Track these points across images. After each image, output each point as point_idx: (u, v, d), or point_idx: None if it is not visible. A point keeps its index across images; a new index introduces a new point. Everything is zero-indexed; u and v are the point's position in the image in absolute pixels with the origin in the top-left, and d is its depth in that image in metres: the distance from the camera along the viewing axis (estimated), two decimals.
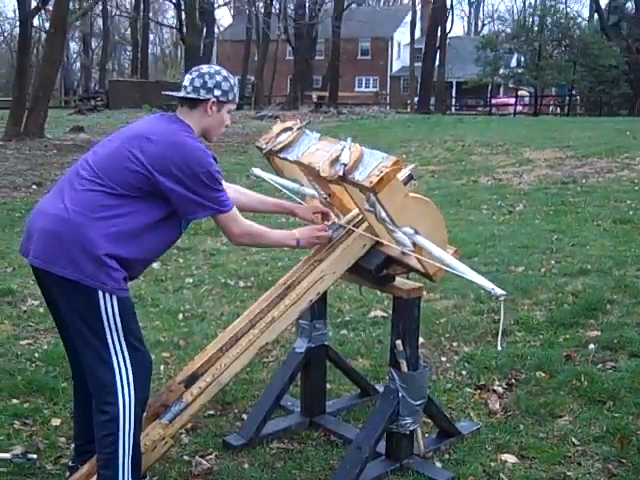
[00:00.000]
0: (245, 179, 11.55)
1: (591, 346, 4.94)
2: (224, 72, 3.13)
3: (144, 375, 3.04)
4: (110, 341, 2.92)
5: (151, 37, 49.68)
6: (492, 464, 3.58)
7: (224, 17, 79.28)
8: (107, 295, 2.86)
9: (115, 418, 2.92)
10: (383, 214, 3.17)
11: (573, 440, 3.79)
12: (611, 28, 41.16)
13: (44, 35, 33.64)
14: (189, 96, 3.06)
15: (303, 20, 37.67)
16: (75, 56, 61.57)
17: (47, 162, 15.31)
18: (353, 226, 3.56)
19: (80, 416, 3.32)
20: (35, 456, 3.57)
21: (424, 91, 38.92)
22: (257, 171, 4.27)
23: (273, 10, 41.68)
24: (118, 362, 2.94)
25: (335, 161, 3.18)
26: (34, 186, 12.44)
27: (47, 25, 25.43)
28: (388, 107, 42.52)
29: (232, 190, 3.49)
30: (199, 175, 2.91)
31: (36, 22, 24.68)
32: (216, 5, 43.97)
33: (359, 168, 3.10)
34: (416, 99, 41.61)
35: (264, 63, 40.90)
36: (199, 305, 5.97)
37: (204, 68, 3.12)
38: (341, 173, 3.12)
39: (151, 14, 46.63)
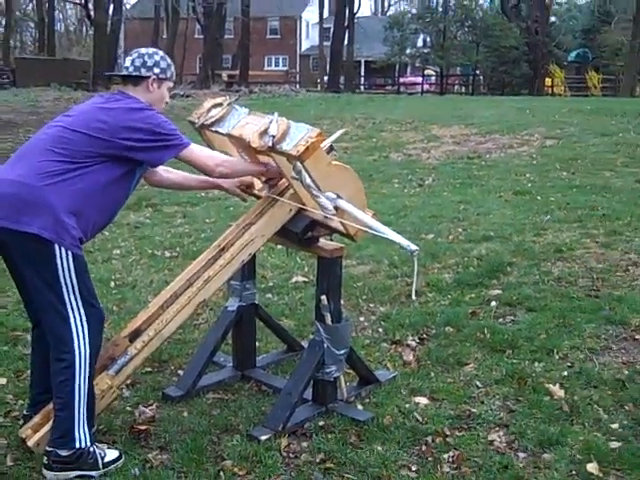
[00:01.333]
0: None
1: (493, 303, 5.44)
2: (161, 53, 3.51)
3: (98, 328, 3.33)
4: (66, 296, 3.20)
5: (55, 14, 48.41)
6: (407, 405, 4.00)
7: None
8: (63, 250, 3.13)
9: (71, 365, 3.21)
10: (308, 180, 3.53)
11: (477, 383, 4.25)
12: (511, 10, 42.40)
13: None
14: (133, 74, 3.39)
15: None
16: None
17: None
18: (280, 193, 3.91)
19: (38, 366, 3.58)
20: None
21: (334, 70, 39.27)
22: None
23: None
24: (74, 316, 3.22)
25: (264, 133, 3.52)
26: None
27: None
28: (298, 86, 42.72)
29: (160, 169, 3.80)
30: (153, 128, 3.28)
31: None
32: None
33: (286, 139, 3.45)
34: (326, 78, 41.95)
35: (174, 42, 40.47)
36: (129, 274, 6.23)
37: (142, 50, 3.50)
38: (270, 144, 3.46)
39: None
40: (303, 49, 59.51)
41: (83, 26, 67.50)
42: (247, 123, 3.73)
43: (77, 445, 3.26)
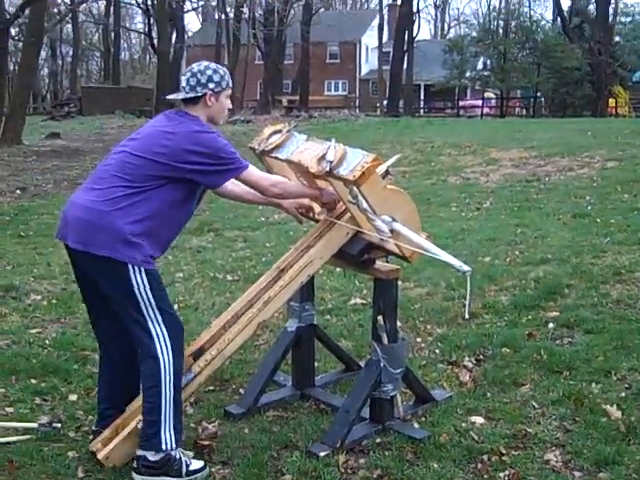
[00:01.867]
0: None
1: (550, 325, 5.46)
2: (212, 65, 3.63)
3: (178, 334, 3.55)
4: (144, 309, 3.43)
5: None
6: (463, 424, 4.06)
7: (192, 22, 79.54)
8: (136, 268, 3.38)
9: (157, 372, 3.43)
10: (364, 204, 3.66)
11: (534, 404, 4.29)
12: (573, 31, 42.08)
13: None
14: (188, 96, 3.57)
15: (272, 25, 38.02)
16: (42, 62, 61.45)
17: (28, 168, 15.64)
18: (337, 217, 4.04)
19: (105, 383, 3.81)
20: (59, 425, 4.01)
21: (393, 94, 39.35)
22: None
23: (242, 15, 42.02)
24: (154, 325, 3.45)
25: (322, 159, 3.66)
26: (18, 191, 12.79)
27: (22, 33, 25.51)
28: (357, 110, 42.97)
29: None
30: (213, 152, 3.45)
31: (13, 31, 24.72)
32: (185, 9, 44.21)
33: (343, 164, 3.59)
34: (385, 102, 42.13)
35: (235, 68, 41.23)
36: (191, 297, 6.42)
37: (194, 67, 3.62)
38: (328, 169, 3.61)
39: None
40: (363, 73, 59.87)
41: (147, 54, 69.18)
42: (305, 149, 3.88)
43: (163, 447, 3.45)
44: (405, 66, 40.77)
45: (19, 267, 7.43)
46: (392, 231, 3.74)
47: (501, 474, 3.56)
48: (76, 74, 50.75)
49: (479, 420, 4.12)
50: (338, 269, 6.11)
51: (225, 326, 3.82)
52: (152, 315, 3.45)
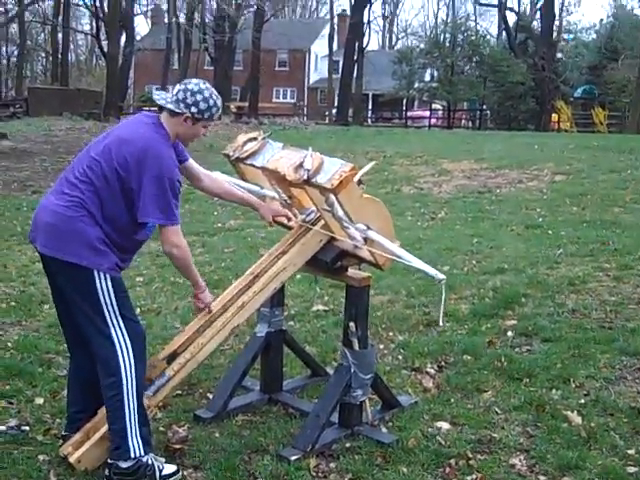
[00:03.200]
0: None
1: (509, 333, 5.60)
2: (207, 92, 3.52)
3: (140, 342, 3.55)
4: (107, 315, 3.43)
5: None
6: (429, 429, 4.16)
7: (140, 24, 78.83)
8: (102, 274, 3.39)
9: (119, 380, 3.43)
10: (340, 212, 3.73)
11: (496, 410, 4.41)
12: (518, 46, 42.95)
13: None
14: (167, 106, 3.54)
15: (223, 32, 37.91)
16: None
17: None
18: (311, 224, 4.10)
19: (75, 386, 3.81)
20: (27, 428, 3.99)
21: (342, 103, 39.53)
22: (217, 174, 4.72)
23: (193, 20, 41.81)
24: (116, 332, 3.45)
25: (299, 167, 3.72)
26: None
27: None
28: (305, 118, 43.14)
29: (202, 172, 4.00)
30: (163, 179, 3.37)
31: None
32: (135, 12, 43.87)
33: (321, 173, 3.64)
34: (334, 111, 42.33)
35: (186, 73, 41.02)
36: (153, 301, 6.41)
37: (191, 84, 3.53)
38: (305, 177, 3.66)
39: None
40: (311, 81, 60.08)
41: (93, 56, 68.33)
42: (281, 157, 3.94)
43: (132, 455, 3.45)
44: (355, 76, 40.98)
45: None
46: (366, 239, 3.82)
47: (468, 478, 3.67)
48: (21, 74, 49.83)
49: (445, 425, 4.22)
50: (298, 275, 6.15)
51: (199, 330, 3.84)
52: (115, 322, 3.45)
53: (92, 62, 70.68)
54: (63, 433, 3.82)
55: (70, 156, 17.97)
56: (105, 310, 3.43)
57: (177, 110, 3.51)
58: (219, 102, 3.60)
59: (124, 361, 3.44)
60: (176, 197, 3.46)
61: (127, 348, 3.46)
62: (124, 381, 3.43)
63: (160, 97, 3.58)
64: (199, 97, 3.50)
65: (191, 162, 3.89)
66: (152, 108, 43.42)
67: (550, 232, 9.09)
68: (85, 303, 3.44)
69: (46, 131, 25.02)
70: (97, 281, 3.39)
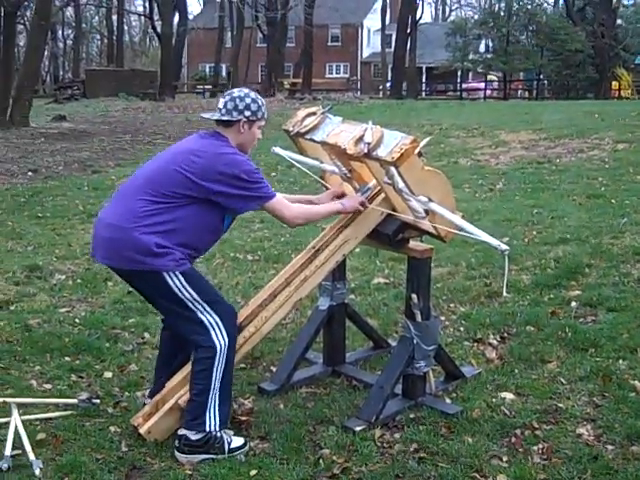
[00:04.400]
0: None
1: (573, 303, 5.53)
2: (252, 94, 3.68)
3: (231, 320, 3.63)
4: (192, 306, 3.54)
5: None
6: (493, 400, 4.15)
7: (192, 4, 79.14)
8: (171, 273, 3.47)
9: (212, 357, 3.53)
10: (401, 185, 3.71)
11: (562, 380, 4.38)
12: (577, 13, 41.95)
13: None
14: (223, 119, 3.63)
15: (275, 9, 37.85)
16: None
17: (37, 150, 15.67)
18: (372, 197, 4.10)
19: (162, 365, 3.97)
20: (98, 401, 4.10)
21: (396, 77, 39.19)
22: (278, 150, 4.73)
23: None
24: (206, 317, 3.55)
25: (359, 140, 3.71)
26: (30, 173, 12.85)
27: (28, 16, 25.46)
28: (359, 93, 42.92)
29: None
30: (240, 175, 3.49)
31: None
32: None
33: (381, 146, 3.63)
34: (388, 85, 42.01)
35: (239, 51, 41.12)
36: (214, 276, 6.49)
37: (235, 92, 3.68)
38: (365, 150, 3.66)
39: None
40: (364, 56, 59.66)
41: (147, 37, 68.95)
42: (341, 131, 3.93)
43: (207, 428, 3.54)
44: (408, 49, 40.53)
45: (40, 248, 7.53)
46: (427, 211, 3.81)
47: (535, 447, 3.65)
48: (78, 57, 50.61)
49: (509, 396, 4.21)
50: (357, 249, 6.16)
51: (262, 304, 3.89)
52: (201, 308, 3.54)
53: (146, 43, 71.39)
54: (147, 394, 4.01)
55: (127, 136, 18.28)
56: (189, 303, 3.53)
57: (234, 119, 3.61)
58: (264, 101, 3.75)
59: (218, 341, 3.54)
60: (258, 179, 3.55)
61: (219, 328, 3.55)
62: (216, 358, 3.53)
63: (210, 114, 3.70)
64: (248, 100, 3.63)
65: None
66: (206, 86, 43.78)
67: (613, 201, 8.92)
68: (167, 302, 3.57)
69: (103, 112, 25.46)
70: (169, 280, 3.48)
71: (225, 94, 3.70)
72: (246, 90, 3.71)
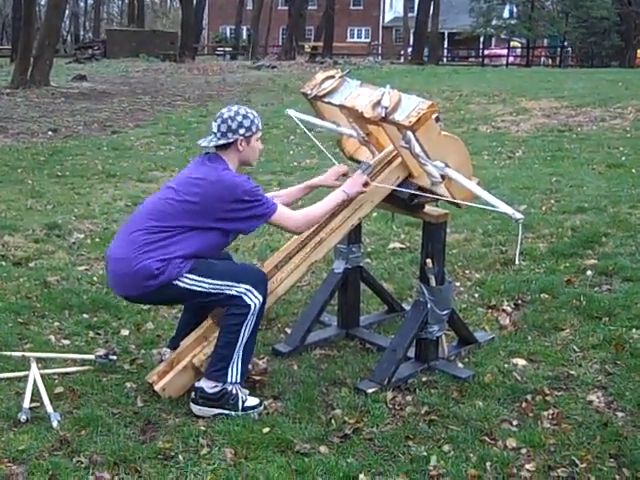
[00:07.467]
0: None
1: (588, 272, 5.53)
2: (242, 110, 3.69)
3: (261, 281, 3.68)
4: (216, 290, 3.60)
5: None
6: (505, 365, 4.17)
7: None
8: (181, 278, 3.55)
9: (245, 314, 3.59)
10: (417, 149, 3.72)
11: (574, 347, 4.39)
12: None
13: None
14: (220, 143, 3.65)
15: None
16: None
17: (57, 109, 15.72)
18: (388, 162, 4.10)
19: (184, 325, 4.04)
20: (115, 357, 4.17)
21: (418, 42, 38.75)
22: (292, 112, 4.72)
23: None
24: (235, 290, 3.60)
25: (377, 104, 3.71)
26: (50, 132, 12.90)
27: None
28: (380, 58, 42.58)
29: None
30: (242, 197, 3.55)
31: None
32: None
33: (398, 110, 3.63)
34: (409, 50, 41.61)
35: (260, 13, 40.83)
36: None
37: (225, 113, 3.67)
38: (383, 114, 3.66)
39: None
40: (386, 20, 59.10)
41: None
42: (359, 95, 3.92)
43: (229, 379, 3.62)
44: (431, 14, 40.02)
45: (59, 206, 7.60)
46: (443, 177, 3.81)
47: (545, 413, 3.67)
48: (99, 17, 50.44)
49: (521, 362, 4.23)
50: (374, 213, 6.17)
51: (277, 265, 3.93)
52: (226, 288, 3.59)
53: (167, 4, 71.04)
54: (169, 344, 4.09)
55: (146, 97, 18.27)
56: (212, 290, 3.59)
57: (230, 140, 3.64)
58: (255, 112, 3.75)
59: (252, 301, 3.60)
60: (259, 197, 3.61)
61: (251, 292, 3.60)
62: (249, 316, 3.60)
63: (206, 140, 3.71)
64: (239, 118, 3.65)
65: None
66: (227, 49, 43.51)
67: (634, 171, 8.85)
68: (193, 299, 3.66)
69: (123, 72, 25.42)
70: (180, 285, 3.55)
71: (216, 117, 3.70)
72: (235, 108, 3.71)
